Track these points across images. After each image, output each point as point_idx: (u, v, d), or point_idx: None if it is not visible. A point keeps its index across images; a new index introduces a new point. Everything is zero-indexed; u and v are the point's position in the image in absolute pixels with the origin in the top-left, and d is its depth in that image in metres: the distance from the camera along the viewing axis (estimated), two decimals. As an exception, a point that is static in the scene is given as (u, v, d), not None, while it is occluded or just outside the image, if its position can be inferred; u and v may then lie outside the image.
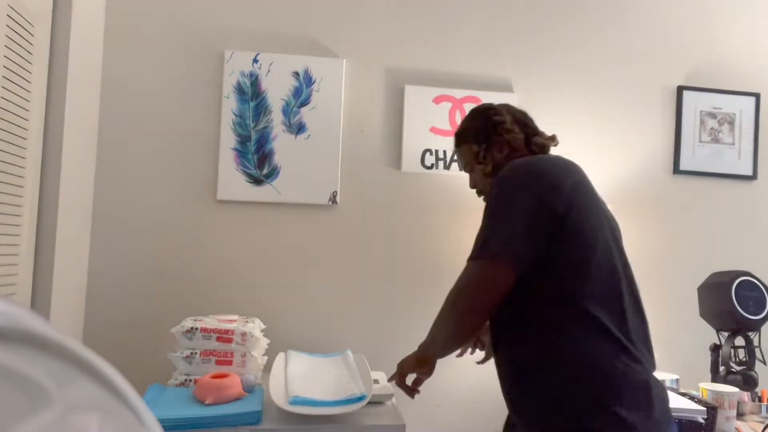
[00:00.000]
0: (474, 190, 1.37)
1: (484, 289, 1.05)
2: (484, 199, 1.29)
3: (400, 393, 1.36)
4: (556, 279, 1.03)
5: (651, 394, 0.99)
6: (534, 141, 1.22)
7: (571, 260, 1.02)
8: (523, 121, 1.25)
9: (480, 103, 1.35)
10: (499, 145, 1.23)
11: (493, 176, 1.21)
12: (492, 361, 1.21)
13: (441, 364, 1.90)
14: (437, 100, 1.94)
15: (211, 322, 1.51)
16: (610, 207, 1.89)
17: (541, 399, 1.03)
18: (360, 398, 1.29)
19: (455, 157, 1.93)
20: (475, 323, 1.09)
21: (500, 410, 1.26)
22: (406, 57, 1.96)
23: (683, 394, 1.53)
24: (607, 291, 1.03)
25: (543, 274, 1.02)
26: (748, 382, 1.61)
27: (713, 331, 1.74)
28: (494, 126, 1.23)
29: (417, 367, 1.24)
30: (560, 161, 1.12)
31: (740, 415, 1.55)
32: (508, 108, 1.27)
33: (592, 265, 1.02)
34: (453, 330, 1.13)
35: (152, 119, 1.83)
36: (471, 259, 1.07)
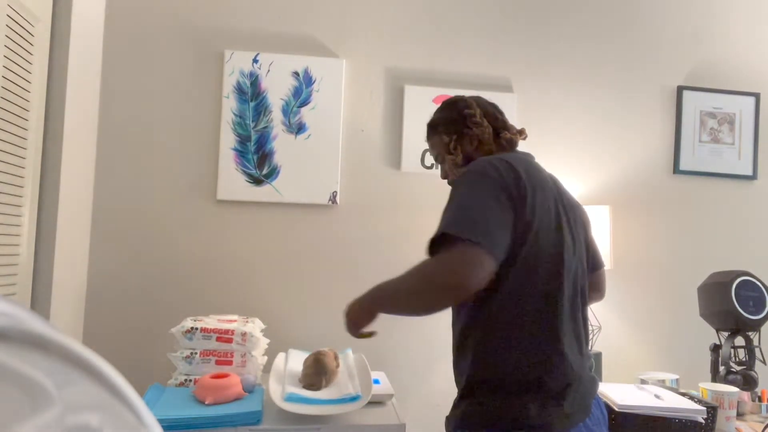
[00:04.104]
0: (446, 181, 1.40)
1: (475, 273, 0.99)
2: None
3: (400, 393, 1.36)
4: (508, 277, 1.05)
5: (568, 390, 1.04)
6: (502, 136, 1.25)
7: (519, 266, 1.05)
8: (492, 114, 1.27)
9: (452, 96, 1.37)
10: (468, 137, 1.25)
11: (464, 167, 1.24)
12: None
13: (441, 364, 1.92)
14: (437, 100, 1.94)
15: (211, 322, 1.51)
16: (610, 207, 1.90)
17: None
18: (355, 398, 1.29)
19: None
20: (448, 305, 1.04)
21: (500, 410, 1.26)
22: (406, 57, 1.96)
23: (683, 394, 1.53)
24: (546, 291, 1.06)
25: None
26: (748, 382, 1.61)
27: (713, 331, 1.74)
28: (464, 118, 1.25)
29: (366, 320, 1.14)
30: (530, 164, 1.15)
31: (740, 415, 1.55)
32: (478, 101, 1.29)
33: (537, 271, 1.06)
34: (419, 302, 1.06)
35: (152, 119, 1.83)
36: (444, 234, 1.01)
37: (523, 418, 1.00)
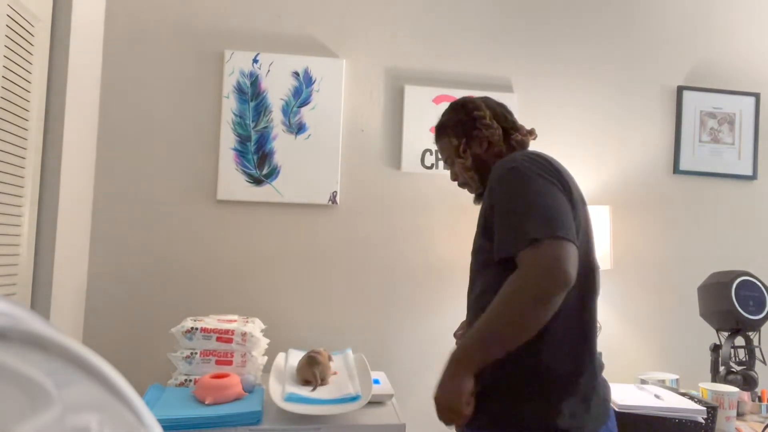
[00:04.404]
0: (457, 184, 1.37)
1: (572, 265, 0.93)
2: (469, 190, 1.29)
3: (400, 393, 1.36)
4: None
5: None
6: (513, 138, 1.22)
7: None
8: (501, 115, 1.25)
9: (459, 98, 1.34)
10: (478, 139, 1.22)
11: (474, 170, 1.23)
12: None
13: (441, 363, 1.91)
14: (437, 100, 1.94)
15: (211, 322, 1.51)
16: (610, 207, 1.90)
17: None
18: (355, 398, 1.29)
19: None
20: (556, 307, 0.93)
21: (500, 410, 1.26)
22: (406, 57, 1.96)
23: (683, 394, 1.53)
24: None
25: None
26: (748, 382, 1.61)
27: (713, 331, 1.74)
28: (473, 120, 1.22)
29: (464, 395, 0.96)
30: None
31: (740, 415, 1.55)
32: (487, 102, 1.26)
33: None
34: (532, 317, 0.93)
35: (152, 119, 1.83)
36: (536, 239, 0.94)
37: (557, 421, 0.97)
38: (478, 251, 1.13)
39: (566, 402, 0.99)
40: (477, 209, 1.91)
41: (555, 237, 0.94)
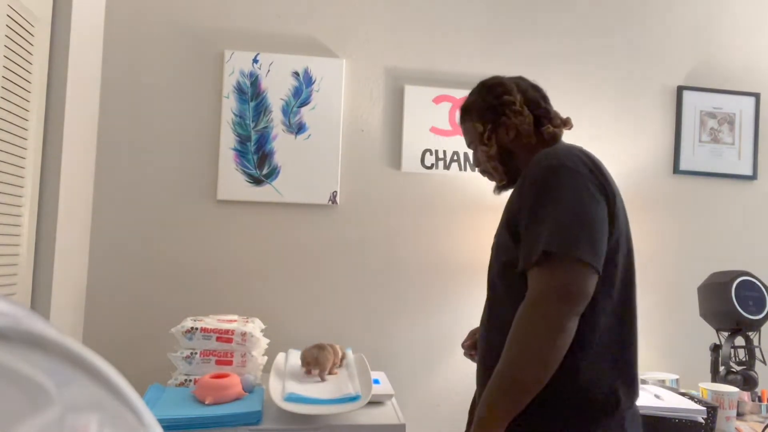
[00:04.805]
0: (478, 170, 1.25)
1: (586, 296, 0.86)
2: (489, 178, 1.20)
3: (400, 393, 1.36)
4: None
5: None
6: (544, 129, 1.09)
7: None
8: (534, 100, 1.12)
9: (490, 77, 1.18)
10: (506, 127, 1.10)
11: (498, 160, 1.12)
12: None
13: (441, 364, 1.92)
14: (437, 100, 1.94)
15: (211, 322, 1.51)
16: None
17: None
18: (355, 398, 1.29)
19: (454, 158, 1.93)
20: (573, 332, 0.86)
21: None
22: (406, 57, 1.96)
23: (683, 394, 1.53)
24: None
25: None
26: (748, 382, 1.60)
27: (713, 331, 1.74)
28: (502, 106, 1.10)
29: None
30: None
31: (740, 415, 1.55)
32: (519, 85, 1.13)
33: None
34: (551, 349, 0.86)
35: (152, 119, 1.83)
36: (548, 252, 0.87)
37: None
38: (500, 248, 1.04)
39: (607, 422, 0.92)
40: (477, 209, 1.92)
41: (571, 257, 0.86)
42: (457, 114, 1.21)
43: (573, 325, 0.87)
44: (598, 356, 0.93)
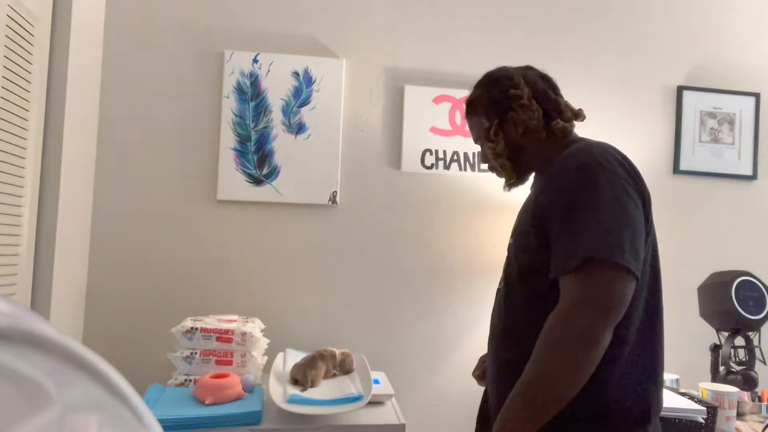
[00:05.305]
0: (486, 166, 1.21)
1: (626, 300, 0.82)
2: (498, 175, 1.14)
3: (400, 393, 1.35)
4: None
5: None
6: (554, 125, 1.04)
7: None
8: (543, 93, 1.06)
9: (496, 68, 1.13)
10: (513, 122, 1.05)
11: (506, 156, 1.07)
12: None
13: (441, 364, 1.92)
14: (437, 100, 1.94)
15: (211, 322, 1.51)
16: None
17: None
18: (357, 398, 1.29)
19: (454, 158, 1.93)
20: (607, 343, 0.81)
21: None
22: (406, 57, 1.96)
23: (683, 394, 1.53)
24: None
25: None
26: (748, 382, 1.60)
27: (713, 331, 1.73)
28: (508, 100, 1.05)
29: None
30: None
31: (740, 415, 1.55)
32: (526, 77, 1.07)
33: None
34: (576, 370, 0.81)
35: (152, 119, 1.83)
36: (590, 258, 0.82)
37: None
38: (521, 249, 0.99)
39: None
40: (478, 209, 1.92)
41: (613, 262, 0.81)
42: (464, 108, 1.17)
43: (608, 338, 0.82)
44: (629, 366, 0.89)
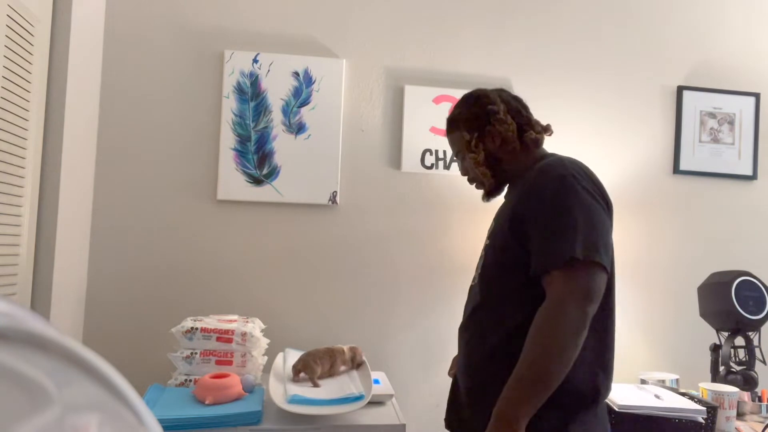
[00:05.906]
0: (466, 183, 1.36)
1: (599, 294, 0.96)
2: (476, 187, 1.29)
3: (400, 393, 1.36)
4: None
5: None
6: (527, 136, 1.19)
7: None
8: (516, 109, 1.22)
9: (474, 89, 1.29)
10: (491, 135, 1.19)
11: (486, 165, 1.20)
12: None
13: (441, 364, 1.91)
14: (437, 100, 1.94)
15: (211, 322, 1.51)
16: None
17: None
18: (358, 398, 1.29)
19: (454, 158, 1.92)
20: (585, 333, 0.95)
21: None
22: (406, 57, 1.96)
23: (683, 394, 1.53)
24: None
25: None
26: (748, 382, 1.61)
27: (713, 331, 1.74)
28: (487, 115, 1.19)
29: None
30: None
31: (740, 415, 1.55)
32: (501, 95, 1.23)
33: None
34: (572, 346, 0.93)
35: (152, 119, 1.83)
36: (575, 258, 0.94)
37: (569, 428, 0.98)
38: (499, 250, 1.11)
39: (589, 415, 1.01)
40: (477, 209, 1.92)
41: (594, 262, 0.95)
42: (446, 127, 1.30)
43: (588, 325, 0.95)
44: (581, 350, 0.98)
